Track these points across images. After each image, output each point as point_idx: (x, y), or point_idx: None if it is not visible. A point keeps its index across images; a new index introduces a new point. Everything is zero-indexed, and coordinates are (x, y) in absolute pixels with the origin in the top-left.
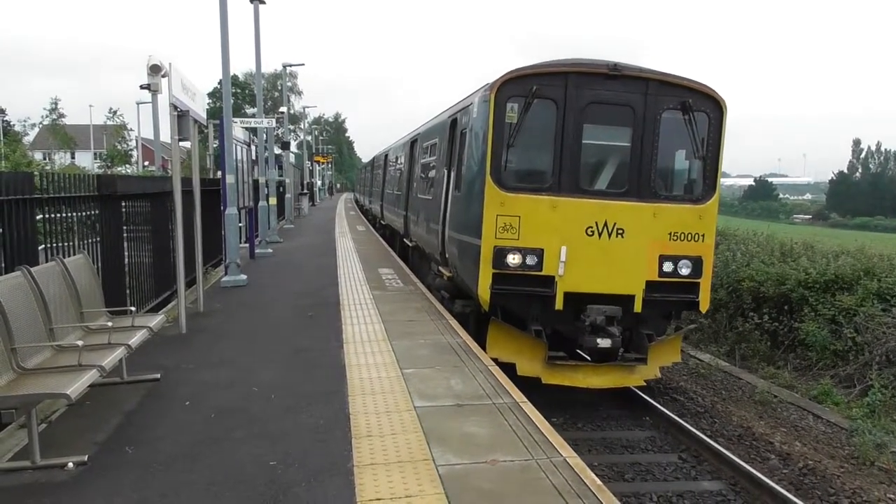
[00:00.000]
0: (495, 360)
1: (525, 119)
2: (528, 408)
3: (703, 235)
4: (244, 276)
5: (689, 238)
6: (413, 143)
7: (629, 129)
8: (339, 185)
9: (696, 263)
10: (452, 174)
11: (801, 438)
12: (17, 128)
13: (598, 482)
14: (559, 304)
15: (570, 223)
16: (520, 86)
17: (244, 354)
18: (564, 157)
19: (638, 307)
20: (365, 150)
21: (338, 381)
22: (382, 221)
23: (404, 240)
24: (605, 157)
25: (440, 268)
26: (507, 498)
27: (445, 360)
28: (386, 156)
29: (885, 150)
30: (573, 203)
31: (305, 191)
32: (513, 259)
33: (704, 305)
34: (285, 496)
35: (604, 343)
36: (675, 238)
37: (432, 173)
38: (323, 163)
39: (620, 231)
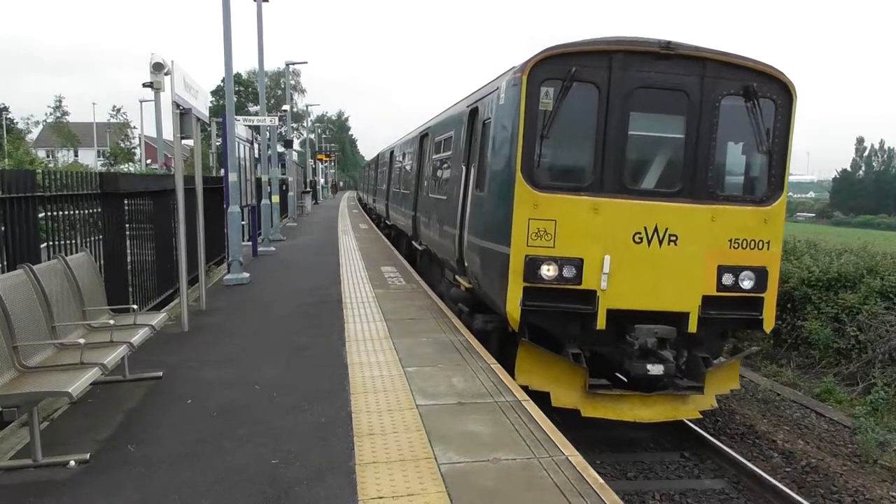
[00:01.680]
0: (525, 389)
1: (562, 106)
2: (530, 406)
3: (768, 243)
4: (247, 275)
5: (753, 246)
6: (423, 137)
7: (683, 118)
8: (342, 184)
9: (761, 275)
10: (472, 171)
11: (804, 437)
12: (21, 125)
13: (600, 480)
14: (601, 323)
15: (615, 228)
16: (556, 67)
17: (246, 352)
18: (608, 151)
19: (693, 327)
20: (368, 148)
21: (340, 380)
22: (388, 221)
23: (413, 242)
24: (655, 151)
25: (457, 277)
26: (508, 496)
27: (447, 358)
28: (392, 152)
29: (889, 147)
30: (618, 205)
31: (308, 189)
32: (547, 270)
33: (769, 324)
34: (287, 495)
35: (655, 370)
36: (736, 246)
37: (447, 170)
38: (326, 161)
39: (673, 238)
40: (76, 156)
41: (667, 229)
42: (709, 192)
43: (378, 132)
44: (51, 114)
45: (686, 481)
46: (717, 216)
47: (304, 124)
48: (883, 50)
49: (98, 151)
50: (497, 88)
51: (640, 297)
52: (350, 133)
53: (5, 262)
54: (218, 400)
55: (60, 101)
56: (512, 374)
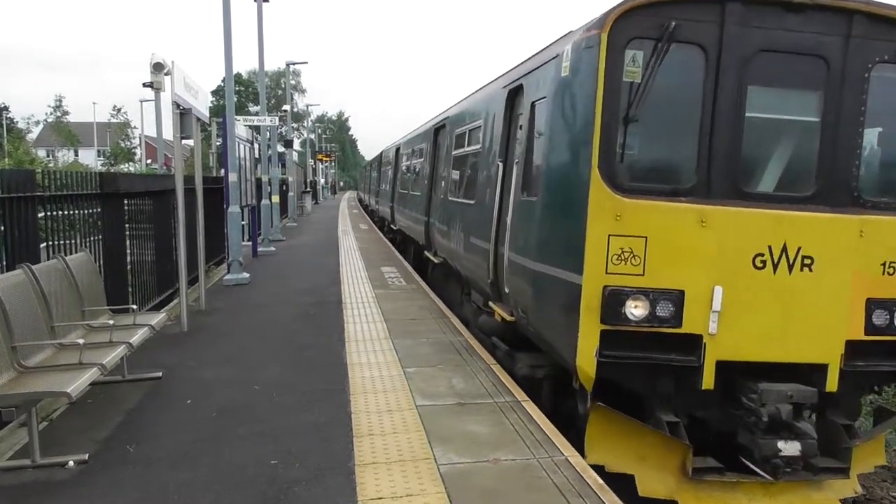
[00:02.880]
0: (597, 469)
1: (655, 76)
2: (530, 406)
3: None
4: (247, 275)
5: None
6: (438, 130)
7: (819, 94)
8: (342, 184)
9: None
10: (515, 169)
11: None
12: (21, 125)
13: (600, 481)
14: (708, 381)
15: (729, 248)
16: (647, 21)
17: (246, 353)
18: (717, 140)
19: (832, 384)
20: (368, 149)
21: (339, 380)
22: (394, 226)
23: (425, 253)
24: (781, 140)
25: (492, 304)
26: (508, 497)
27: (447, 358)
28: (398, 149)
29: None
30: (733, 215)
31: (308, 189)
32: (634, 308)
33: None
34: (286, 495)
35: (790, 449)
36: (891, 271)
37: (474, 169)
38: (326, 161)
39: (808, 261)
40: (76, 155)
41: (799, 249)
42: (854, 198)
43: (378, 132)
44: (51, 113)
45: None
46: (868, 230)
47: (305, 124)
48: None
49: (98, 151)
50: (556, 56)
51: (762, 345)
52: (350, 133)
53: (5, 262)
54: (217, 400)
55: (61, 101)
56: (575, 444)
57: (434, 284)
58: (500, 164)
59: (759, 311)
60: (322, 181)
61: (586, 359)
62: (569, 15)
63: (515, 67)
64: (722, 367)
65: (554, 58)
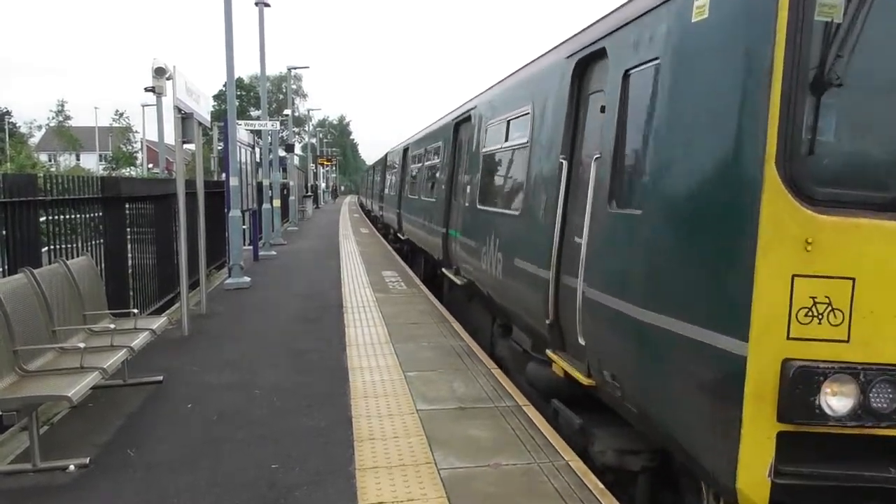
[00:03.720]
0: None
1: (868, 14)
2: (531, 411)
3: None
4: (247, 279)
5: None
6: (460, 125)
7: None
8: (343, 188)
9: None
10: (594, 168)
11: None
12: (23, 129)
13: (601, 486)
14: None
15: None
16: None
17: (247, 357)
18: None
19: None
20: (369, 153)
21: (340, 384)
22: (401, 235)
23: (443, 270)
24: None
25: (550, 353)
26: (509, 501)
27: (448, 363)
28: (406, 150)
29: None
30: None
31: (309, 193)
32: (835, 396)
33: None
34: (286, 499)
35: None
36: None
37: (518, 169)
38: (327, 165)
39: None
40: (78, 160)
41: None
42: None
43: (380, 136)
44: (53, 118)
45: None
46: None
47: (306, 128)
48: None
49: (100, 155)
50: None
51: None
52: (351, 137)
53: (6, 266)
54: (218, 404)
55: (63, 106)
56: None
57: (453, 307)
58: (564, 163)
59: None
60: (323, 185)
61: (753, 479)
62: (570, 21)
63: (584, 30)
64: None
65: (665, 1)
